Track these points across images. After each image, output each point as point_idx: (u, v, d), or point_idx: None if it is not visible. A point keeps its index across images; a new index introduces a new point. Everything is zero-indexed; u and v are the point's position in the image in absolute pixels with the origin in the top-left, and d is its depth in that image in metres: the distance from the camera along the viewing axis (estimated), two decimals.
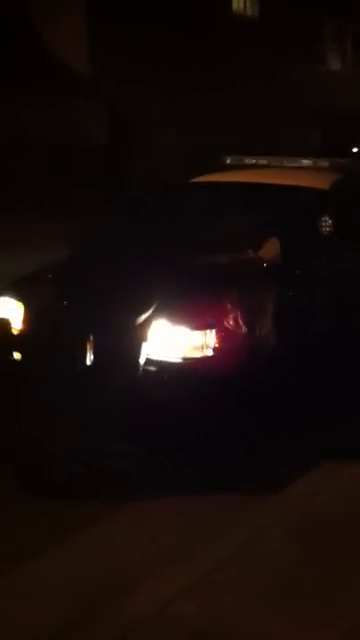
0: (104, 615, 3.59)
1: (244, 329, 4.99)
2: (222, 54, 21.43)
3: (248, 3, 23.90)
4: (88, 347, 4.85)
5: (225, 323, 4.94)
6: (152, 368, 4.88)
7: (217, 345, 4.89)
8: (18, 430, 4.89)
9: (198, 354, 4.89)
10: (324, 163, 7.17)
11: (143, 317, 4.89)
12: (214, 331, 4.90)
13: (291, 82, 23.52)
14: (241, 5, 23.80)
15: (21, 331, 5.28)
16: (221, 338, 4.89)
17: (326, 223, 6.05)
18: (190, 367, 4.89)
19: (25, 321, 5.28)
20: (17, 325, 5.32)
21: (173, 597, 3.71)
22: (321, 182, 6.50)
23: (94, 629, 3.51)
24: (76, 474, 4.76)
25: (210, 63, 21.10)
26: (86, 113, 18.34)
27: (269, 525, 4.37)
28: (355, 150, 20.58)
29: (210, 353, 4.88)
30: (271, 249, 5.51)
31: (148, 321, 4.89)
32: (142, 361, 4.84)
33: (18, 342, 5.23)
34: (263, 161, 7.31)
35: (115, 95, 18.75)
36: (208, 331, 4.89)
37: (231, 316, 4.96)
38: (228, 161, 7.38)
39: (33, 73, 17.18)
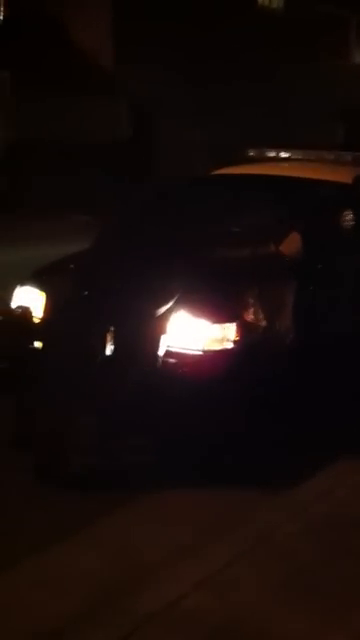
0: (118, 608, 3.60)
1: (264, 323, 4.99)
2: (246, 49, 21.27)
3: None
4: (108, 338, 4.88)
5: (246, 317, 4.94)
6: (171, 360, 4.88)
7: (237, 339, 4.90)
8: (35, 422, 4.91)
9: (218, 347, 4.89)
10: (347, 157, 7.13)
11: (163, 309, 4.91)
12: (234, 325, 4.91)
13: (320, 78, 23.31)
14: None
15: (42, 320, 5.31)
16: (241, 332, 4.90)
17: (348, 217, 6.03)
18: (209, 360, 4.89)
19: (47, 310, 5.32)
20: (39, 314, 5.36)
21: (187, 592, 3.72)
22: (344, 176, 6.48)
23: (108, 622, 3.52)
24: (90, 468, 4.76)
25: (233, 58, 20.96)
26: (108, 110, 18.33)
27: (284, 522, 4.37)
28: None
29: (230, 347, 4.89)
30: (292, 243, 5.50)
31: (168, 313, 4.91)
32: (161, 353, 4.86)
33: (39, 331, 5.26)
34: (285, 154, 7.29)
35: (137, 92, 18.70)
36: (228, 325, 4.90)
37: (252, 310, 4.97)
38: (250, 153, 7.37)
39: (53, 70, 17.16)
